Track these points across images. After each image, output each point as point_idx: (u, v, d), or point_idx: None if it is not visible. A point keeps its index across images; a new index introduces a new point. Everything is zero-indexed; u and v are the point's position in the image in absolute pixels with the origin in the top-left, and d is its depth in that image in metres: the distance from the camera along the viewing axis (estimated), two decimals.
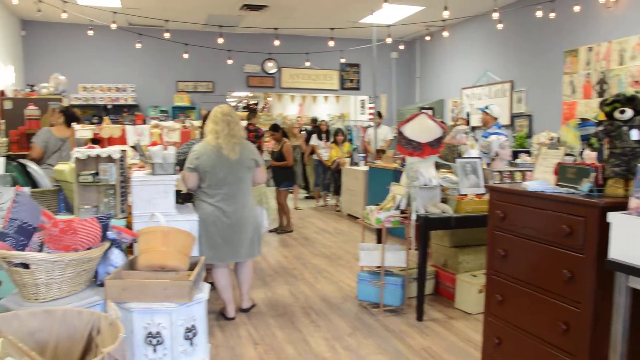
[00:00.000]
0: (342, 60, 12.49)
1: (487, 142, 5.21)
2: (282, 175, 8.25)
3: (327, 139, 11.12)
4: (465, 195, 4.63)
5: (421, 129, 4.64)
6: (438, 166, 4.88)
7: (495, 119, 6.96)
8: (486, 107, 7.05)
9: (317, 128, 11.65)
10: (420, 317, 4.48)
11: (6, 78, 9.42)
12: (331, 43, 10.64)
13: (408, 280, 4.74)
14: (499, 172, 4.91)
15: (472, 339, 4.08)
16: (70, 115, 6.00)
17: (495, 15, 8.18)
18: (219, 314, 4.59)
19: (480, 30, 10.78)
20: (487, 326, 3.19)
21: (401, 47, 12.38)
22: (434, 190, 4.61)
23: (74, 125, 5.80)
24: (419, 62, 13.35)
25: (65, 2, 8.85)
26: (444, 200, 4.67)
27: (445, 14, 8.19)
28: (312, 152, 11.28)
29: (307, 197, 12.24)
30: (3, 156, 4.80)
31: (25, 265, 2.51)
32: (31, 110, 7.21)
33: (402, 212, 4.59)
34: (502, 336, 3.03)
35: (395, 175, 7.64)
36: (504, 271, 3.02)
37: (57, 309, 2.02)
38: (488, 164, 5.18)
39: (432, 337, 4.13)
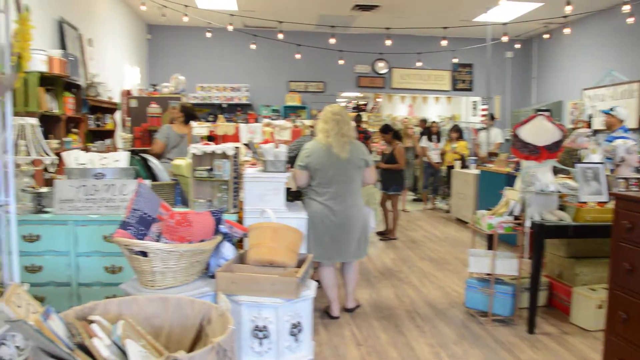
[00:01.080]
0: (455, 60, 12.20)
1: (611, 147, 4.85)
2: (391, 178, 7.92)
3: (438, 141, 10.87)
4: (585, 202, 4.34)
5: (538, 132, 4.40)
6: (556, 171, 4.62)
7: (622, 122, 6.50)
8: (612, 109, 6.59)
9: (427, 129, 11.44)
10: (531, 330, 4.25)
11: (133, 79, 10.05)
12: (444, 42, 10.41)
13: (519, 289, 4.52)
14: (625, 179, 4.56)
15: (589, 358, 3.81)
16: (189, 113, 6.30)
17: (626, 9, 7.62)
18: (323, 312, 4.61)
19: (605, 26, 10.09)
20: (608, 346, 2.97)
21: (517, 45, 11.87)
22: (551, 196, 4.36)
23: (192, 122, 6.07)
24: (535, 62, 12.74)
25: (186, 6, 9.32)
26: (562, 208, 4.41)
27: (568, 9, 7.75)
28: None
29: (415, 200, 12.06)
30: (128, 150, 5.11)
31: (144, 254, 2.64)
32: (153, 108, 7.65)
33: (516, 218, 4.38)
34: (626, 358, 2.80)
35: (508, 180, 7.33)
36: (629, 287, 2.79)
37: (172, 297, 2.10)
38: (612, 170, 4.83)
39: (544, 352, 3.91)
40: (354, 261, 4.58)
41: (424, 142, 10.96)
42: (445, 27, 10.24)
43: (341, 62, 11.85)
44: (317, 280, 4.36)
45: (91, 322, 1.80)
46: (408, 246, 7.46)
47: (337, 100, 12.98)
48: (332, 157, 4.26)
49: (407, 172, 10.35)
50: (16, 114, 3.44)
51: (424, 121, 12.46)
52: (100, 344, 1.63)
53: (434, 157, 10.63)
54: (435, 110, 16.25)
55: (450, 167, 10.12)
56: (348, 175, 4.31)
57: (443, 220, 9.65)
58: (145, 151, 5.54)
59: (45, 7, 6.23)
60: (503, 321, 4.46)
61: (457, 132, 10.48)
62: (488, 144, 9.89)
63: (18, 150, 3.72)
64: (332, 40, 10.51)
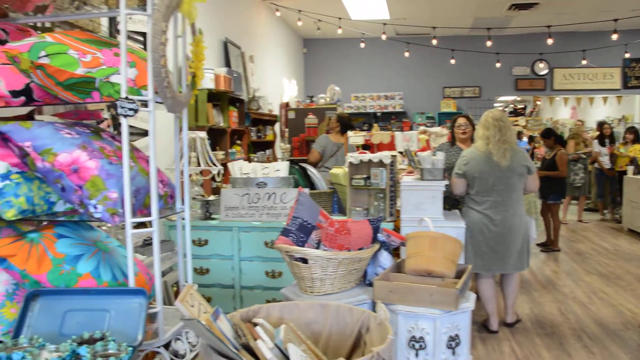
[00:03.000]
0: (626, 55, 11.14)
1: None
2: (550, 186, 7.24)
3: (612, 144, 9.94)
4: None
5: None
6: None
7: None
8: None
9: (602, 133, 10.47)
10: None
11: (290, 91, 10.48)
12: (614, 37, 9.56)
13: None
14: None
15: None
16: (345, 123, 6.41)
17: None
18: (480, 326, 4.41)
19: None
20: None
21: None
22: None
23: (348, 132, 6.16)
24: None
25: (340, 18, 9.52)
26: None
27: None
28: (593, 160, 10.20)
29: (587, 209, 10.99)
30: (287, 160, 5.31)
31: (304, 260, 2.69)
32: (310, 119, 7.89)
33: None
34: None
35: None
36: None
37: (331, 304, 2.11)
38: None
39: None
40: (515, 273, 4.33)
41: (596, 146, 10.09)
42: (615, 20, 9.41)
43: (498, 65, 11.38)
44: (474, 292, 4.18)
45: (255, 324, 1.86)
46: (573, 258, 6.93)
47: (494, 105, 12.44)
48: (492, 164, 4.07)
49: (586, 179, 9.57)
50: (187, 128, 3.71)
51: (600, 124, 11.35)
52: (264, 347, 1.67)
53: (606, 162, 9.75)
54: (603, 112, 14.98)
55: (622, 173, 9.22)
56: (509, 183, 4.09)
57: (613, 232, 8.84)
58: (303, 160, 5.73)
59: (212, 29, 6.70)
60: None
61: (633, 134, 9.52)
62: None
63: (189, 162, 4.02)
64: (489, 43, 10.13)
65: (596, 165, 10.15)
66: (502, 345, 4.08)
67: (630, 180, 8.75)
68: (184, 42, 2.29)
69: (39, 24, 2.71)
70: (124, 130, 1.88)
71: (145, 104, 1.97)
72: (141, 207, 2.01)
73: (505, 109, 18.01)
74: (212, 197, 4.18)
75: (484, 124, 4.19)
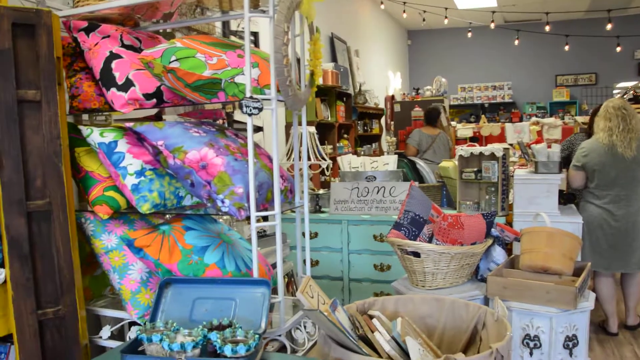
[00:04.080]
0: None
1: None
2: None
3: None
4: None
5: None
6: None
7: None
8: None
9: None
10: None
11: (395, 84, 10.44)
12: None
13: None
14: None
15: None
16: (428, 115, 6.30)
17: None
18: (598, 327, 4.20)
19: None
20: None
21: None
22: None
23: (455, 124, 6.07)
24: None
25: (447, 9, 9.35)
26: None
27: None
28: None
29: None
30: (394, 153, 5.32)
31: (416, 254, 2.71)
32: (416, 112, 7.82)
33: None
34: None
35: None
36: None
37: (446, 298, 2.12)
38: None
39: None
40: (638, 272, 4.08)
41: None
42: None
43: (618, 49, 10.69)
44: (592, 291, 3.99)
45: (371, 317, 1.90)
46: None
47: (612, 92, 11.67)
48: (614, 156, 3.86)
49: None
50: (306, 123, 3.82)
51: None
52: (382, 339, 1.71)
53: None
54: None
55: None
56: (634, 176, 3.86)
57: None
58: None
59: (319, 25, 6.80)
60: None
61: None
62: None
63: (300, 157, 4.13)
64: (609, 26, 9.53)
65: None
66: (622, 349, 3.87)
67: None
68: (302, 40, 2.37)
69: (160, 30, 2.91)
70: (249, 128, 1.99)
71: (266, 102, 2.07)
72: (264, 201, 2.12)
73: (625, 96, 16.86)
74: (321, 191, 4.28)
75: (604, 115, 3.98)
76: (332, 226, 4.09)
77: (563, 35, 10.63)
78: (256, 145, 2.21)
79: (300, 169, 2.54)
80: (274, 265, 2.21)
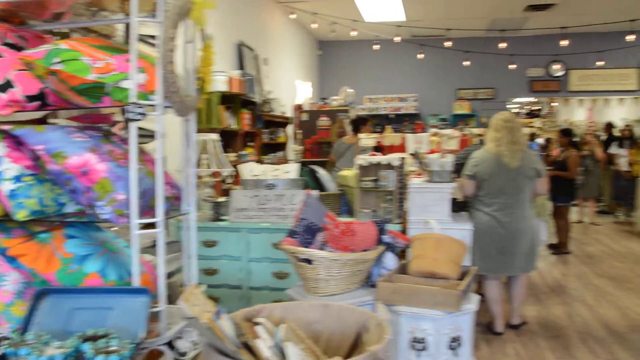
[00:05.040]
0: None
1: None
2: (560, 188, 6.97)
3: (631, 147, 9.84)
4: None
5: None
6: None
7: None
8: None
9: (613, 134, 10.39)
10: None
11: (304, 93, 10.54)
12: (630, 37, 9.48)
13: None
14: None
15: None
16: (355, 123, 6.46)
17: None
18: (485, 327, 4.42)
19: None
20: None
21: None
22: None
23: (360, 134, 6.21)
24: None
25: (355, 21, 9.56)
26: None
27: None
28: (610, 162, 10.11)
29: (600, 212, 10.92)
30: (298, 162, 5.37)
31: (309, 261, 2.75)
32: (323, 121, 7.95)
33: None
34: None
35: None
36: None
37: (333, 304, 2.16)
38: None
39: None
40: (522, 276, 4.34)
41: (614, 148, 10.00)
42: (632, 20, 9.33)
43: (512, 66, 11.35)
44: (481, 294, 4.20)
45: (257, 323, 1.91)
46: (583, 261, 6.90)
47: (507, 106, 12.35)
48: (501, 166, 4.09)
49: (592, 180, 9.49)
50: (199, 130, 3.78)
51: (609, 126, 11.31)
52: (263, 345, 1.72)
53: (624, 165, 9.67)
54: (619, 113, 14.83)
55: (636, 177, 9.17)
56: (518, 186, 4.11)
57: (625, 234, 8.78)
58: (314, 162, 5.77)
59: (226, 33, 6.77)
60: None
61: None
62: None
63: (200, 164, 4.08)
64: (503, 45, 10.10)
65: (612, 167, 10.08)
66: (506, 347, 4.09)
67: None
68: (193, 47, 2.35)
69: (55, 30, 2.79)
70: (132, 133, 1.95)
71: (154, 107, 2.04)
72: (147, 208, 2.07)
73: (521, 111, 17.87)
74: (222, 199, 4.25)
75: (494, 126, 4.21)
76: (232, 234, 4.06)
77: (463, 51, 11.15)
78: (142, 152, 2.17)
79: (189, 176, 2.51)
80: (171, 274, 2.17)
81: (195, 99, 2.31)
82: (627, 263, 6.80)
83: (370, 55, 11.82)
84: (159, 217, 2.03)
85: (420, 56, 11.08)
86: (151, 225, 2.22)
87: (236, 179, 4.89)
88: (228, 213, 4.13)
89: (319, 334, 2.13)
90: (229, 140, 5.91)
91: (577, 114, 17.09)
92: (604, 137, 11.40)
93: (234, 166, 4.64)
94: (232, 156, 5.47)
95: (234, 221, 4.04)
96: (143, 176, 2.06)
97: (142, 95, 2.04)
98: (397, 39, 10.08)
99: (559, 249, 7.43)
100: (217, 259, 4.08)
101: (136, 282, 2.02)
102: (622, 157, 9.82)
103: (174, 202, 2.29)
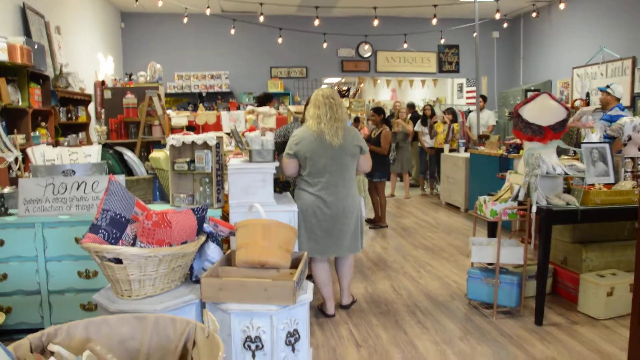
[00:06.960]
0: (441, 42, 11.87)
1: (618, 125, 4.58)
2: (375, 165, 7.12)
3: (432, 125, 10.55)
4: (593, 185, 4.08)
5: (542, 111, 4.13)
6: (558, 153, 4.34)
7: (618, 99, 6.25)
8: (607, 87, 6.33)
9: (416, 113, 11.09)
10: (539, 322, 3.99)
11: (106, 69, 9.62)
12: (434, 21, 10.08)
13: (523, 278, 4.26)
14: (632, 159, 4.32)
15: (602, 349, 3.56)
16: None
17: None
18: (317, 310, 4.30)
19: (595, 3, 9.85)
20: (634, 341, 2.70)
21: (505, 25, 11.59)
22: (557, 179, 4.09)
23: (170, 112, 5.72)
24: (522, 42, 12.46)
25: None
26: (567, 191, 4.15)
27: None
28: (415, 138, 10.74)
29: (412, 185, 11.59)
30: (102, 144, 4.75)
31: (118, 260, 2.32)
32: (129, 99, 7.25)
33: (520, 203, 4.11)
34: None
35: (501, 163, 7.09)
36: None
37: (149, 316, 1.78)
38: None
39: (555, 345, 3.65)
40: (349, 255, 4.27)
41: (418, 126, 10.63)
42: (435, 5, 9.90)
43: (324, 45, 11.49)
44: (309, 276, 4.05)
45: (51, 353, 1.48)
46: (400, 234, 7.19)
47: (321, 85, 12.59)
48: (324, 144, 3.92)
49: (404, 155, 9.99)
50: None
51: (411, 106, 12.03)
52: None
53: (428, 141, 10.36)
54: (420, 94, 15.94)
55: (440, 150, 9.85)
56: (341, 164, 3.98)
57: (433, 206, 9.39)
58: (121, 144, 5.17)
59: None
60: (509, 313, 4.20)
61: (452, 114, 10.18)
62: (480, 126, 9.62)
63: None
64: (316, 22, 10.13)
65: (418, 143, 10.72)
66: (340, 329, 4.00)
67: (446, 158, 9.33)
68: None
69: None
70: None
71: None
72: None
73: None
74: (7, 190, 3.56)
75: (314, 102, 4.03)
76: (23, 231, 3.43)
77: (277, 28, 11.01)
78: None
79: None
80: None
81: None
82: (439, 233, 7.20)
83: (179, 30, 11.20)
84: None
85: (232, 32, 10.71)
86: None
87: (26, 165, 4.17)
88: (16, 206, 3.47)
89: (136, 353, 1.75)
90: (15, 119, 5.04)
91: (383, 94, 18.09)
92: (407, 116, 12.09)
93: (22, 150, 3.93)
94: (20, 138, 4.67)
95: (24, 215, 3.40)
96: None
97: None
98: (207, 11, 9.60)
99: (377, 223, 7.67)
100: (5, 261, 3.44)
101: None
102: (425, 134, 10.46)
103: None
